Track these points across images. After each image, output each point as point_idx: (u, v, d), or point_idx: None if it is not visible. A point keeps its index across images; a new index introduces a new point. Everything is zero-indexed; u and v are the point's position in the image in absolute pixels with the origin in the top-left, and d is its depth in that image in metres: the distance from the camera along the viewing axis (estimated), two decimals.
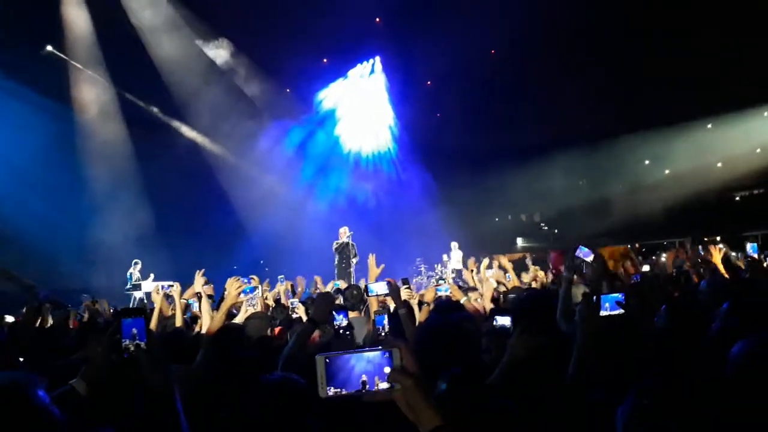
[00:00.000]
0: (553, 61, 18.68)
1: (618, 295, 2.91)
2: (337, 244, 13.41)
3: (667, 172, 22.26)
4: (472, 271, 6.78)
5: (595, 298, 2.61)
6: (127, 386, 1.84)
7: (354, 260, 13.25)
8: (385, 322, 3.72)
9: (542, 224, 27.33)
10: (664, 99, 18.53)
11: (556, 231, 26.11)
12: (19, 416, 1.37)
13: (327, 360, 1.42)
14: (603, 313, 2.81)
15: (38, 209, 13.78)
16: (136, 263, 14.36)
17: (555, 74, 18.68)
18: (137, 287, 13.71)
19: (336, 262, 13.32)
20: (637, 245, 20.14)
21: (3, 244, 13.16)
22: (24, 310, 4.12)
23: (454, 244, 16.39)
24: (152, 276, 14.07)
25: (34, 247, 13.61)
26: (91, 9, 15.25)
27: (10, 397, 1.37)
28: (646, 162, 22.99)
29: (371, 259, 5.58)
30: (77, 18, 15.25)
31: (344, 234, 13.39)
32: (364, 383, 1.42)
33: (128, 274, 14.19)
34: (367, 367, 1.42)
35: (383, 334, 3.58)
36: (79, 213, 14.94)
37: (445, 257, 17.08)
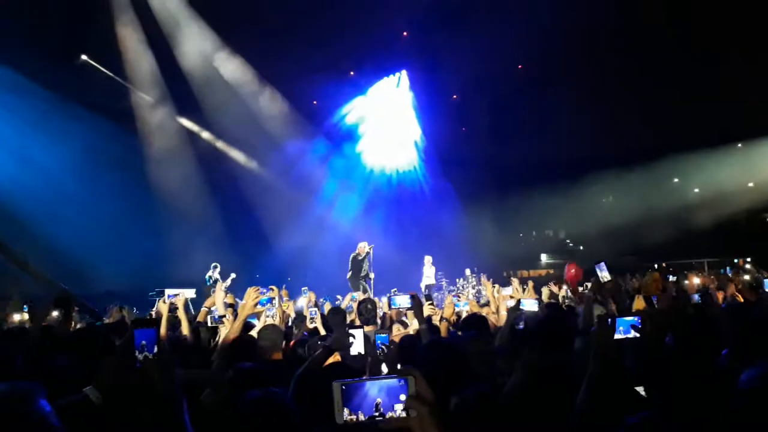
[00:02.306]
0: (581, 78, 18.57)
1: (634, 319, 2.85)
2: (359, 257, 13.42)
3: (696, 191, 21.89)
4: (494, 286, 6.72)
5: (610, 320, 2.56)
6: (138, 394, 1.88)
7: (371, 275, 13.31)
8: (383, 345, 3.70)
9: (568, 241, 27.06)
10: (695, 119, 18.25)
11: (581, 248, 25.82)
12: (19, 426, 1.39)
13: (343, 387, 1.46)
14: (617, 336, 2.76)
15: (71, 215, 14.10)
16: (215, 266, 14.16)
17: (583, 91, 18.55)
18: (161, 294, 13.76)
19: (349, 276, 13.33)
20: (663, 264, 19.81)
21: (40, 249, 13.48)
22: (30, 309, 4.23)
23: (427, 259, 15.52)
24: (233, 275, 13.92)
25: (67, 251, 13.91)
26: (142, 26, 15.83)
27: (10, 406, 1.39)
28: (676, 180, 22.64)
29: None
30: (128, 35, 15.82)
31: (363, 248, 13.44)
32: (377, 405, 1.45)
33: (206, 276, 13.98)
34: (383, 394, 1.45)
35: (381, 354, 3.57)
36: (108, 220, 15.20)
37: (466, 275, 16.99)
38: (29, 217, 13.47)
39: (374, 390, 1.45)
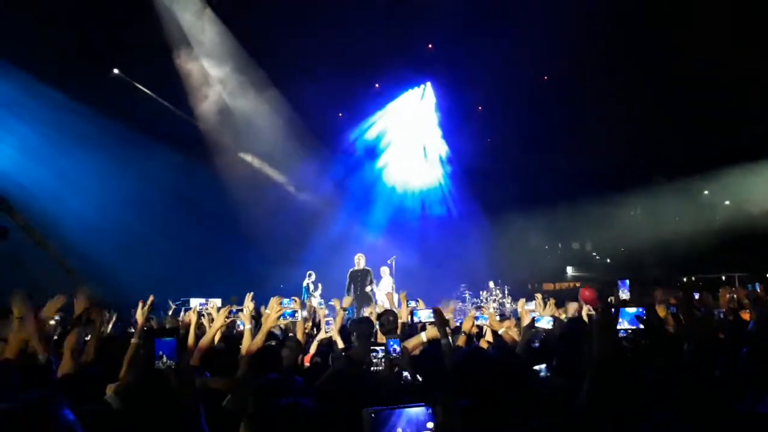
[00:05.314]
0: (609, 88, 18.37)
1: (638, 309, 2.80)
2: (353, 271, 13.44)
3: (727, 203, 21.44)
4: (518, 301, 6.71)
5: (613, 310, 2.49)
6: (158, 402, 1.94)
7: (368, 288, 13.16)
8: (395, 346, 3.74)
9: (594, 254, 26.68)
10: (727, 132, 17.91)
11: (608, 261, 25.43)
12: None
13: (373, 415, 1.51)
14: (621, 327, 2.70)
15: (97, 223, 14.46)
16: (309, 274, 14.40)
17: (611, 102, 18.35)
18: (186, 303, 13.92)
19: (352, 290, 13.15)
20: (693, 278, 19.42)
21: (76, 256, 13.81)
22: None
23: (384, 270, 14.19)
24: (320, 286, 14.27)
25: (100, 261, 14.21)
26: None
27: (35, 416, 1.44)
28: (705, 192, 22.20)
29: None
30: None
31: (360, 261, 13.45)
32: None
33: (304, 285, 14.21)
34: (411, 423, 1.49)
35: (393, 357, 3.61)
36: (134, 229, 15.47)
37: (491, 288, 16.90)
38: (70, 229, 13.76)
39: (402, 419, 1.49)
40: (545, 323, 4.44)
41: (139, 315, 4.86)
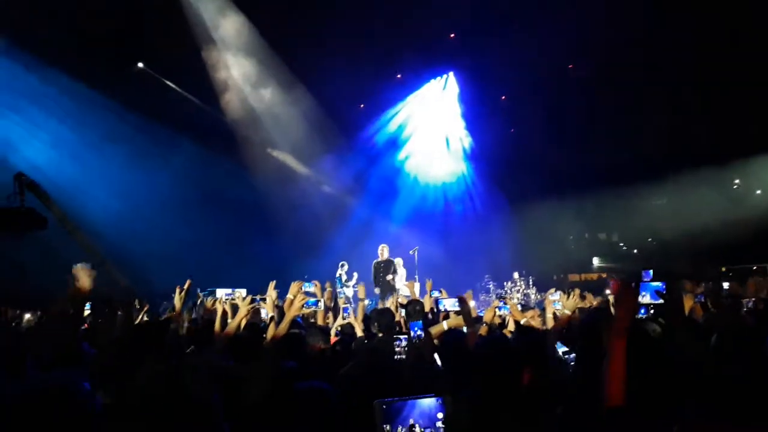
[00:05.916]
0: (635, 78, 18.04)
1: (659, 284, 2.78)
2: (377, 262, 13.50)
3: (758, 192, 20.95)
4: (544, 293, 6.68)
5: (634, 284, 2.44)
6: (172, 396, 1.89)
7: (389, 276, 13.28)
8: (419, 330, 3.76)
9: (621, 244, 26.29)
10: (756, 118, 17.44)
11: (635, 251, 25.05)
12: (74, 407, 1.48)
13: (384, 406, 1.51)
14: (642, 300, 2.70)
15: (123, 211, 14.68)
16: (342, 265, 14.70)
17: (638, 91, 18.02)
18: (212, 293, 14.06)
19: (376, 281, 13.35)
20: (723, 269, 19.05)
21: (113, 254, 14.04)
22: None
23: (398, 261, 14.22)
24: (356, 275, 14.47)
25: (126, 253, 14.44)
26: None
27: (59, 394, 1.49)
28: (736, 182, 21.70)
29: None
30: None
31: (384, 252, 13.48)
32: (416, 424, 1.49)
33: (337, 275, 14.43)
34: (422, 413, 1.49)
35: (417, 341, 3.62)
36: (160, 221, 15.67)
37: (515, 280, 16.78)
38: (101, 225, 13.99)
39: (416, 410, 1.49)
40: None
41: (177, 300, 4.93)
